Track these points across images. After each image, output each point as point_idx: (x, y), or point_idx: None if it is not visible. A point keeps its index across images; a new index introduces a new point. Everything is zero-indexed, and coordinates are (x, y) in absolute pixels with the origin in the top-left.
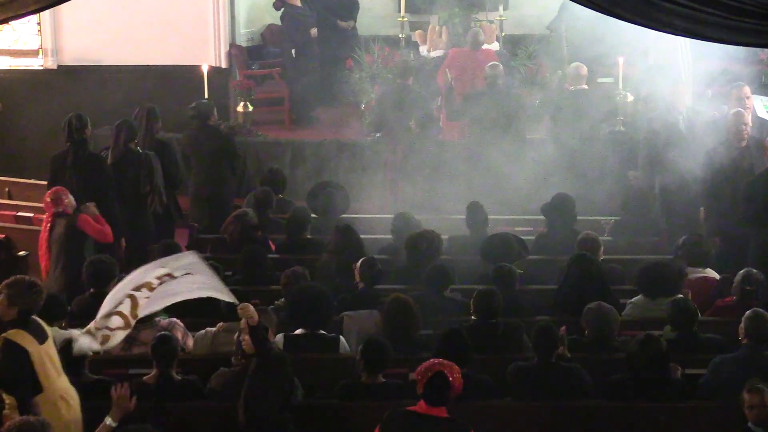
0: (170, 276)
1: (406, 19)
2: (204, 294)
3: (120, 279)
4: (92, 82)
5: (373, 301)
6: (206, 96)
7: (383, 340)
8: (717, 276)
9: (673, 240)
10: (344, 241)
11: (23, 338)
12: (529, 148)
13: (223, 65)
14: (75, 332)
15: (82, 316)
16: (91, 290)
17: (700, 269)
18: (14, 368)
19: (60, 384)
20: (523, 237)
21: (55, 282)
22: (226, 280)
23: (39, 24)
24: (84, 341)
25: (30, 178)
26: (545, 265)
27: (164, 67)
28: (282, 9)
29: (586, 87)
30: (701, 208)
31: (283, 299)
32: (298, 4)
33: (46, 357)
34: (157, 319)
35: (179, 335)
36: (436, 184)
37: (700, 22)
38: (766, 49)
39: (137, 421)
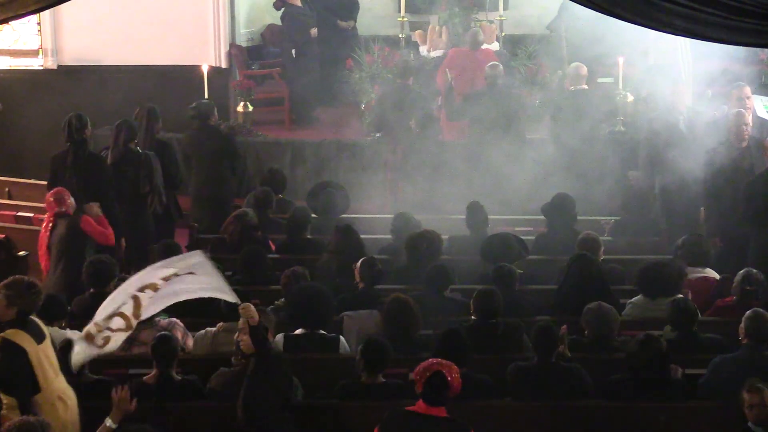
0: (176, 276)
1: (406, 19)
2: (205, 295)
3: (120, 279)
4: (92, 82)
5: (373, 301)
6: (206, 96)
7: (383, 340)
8: (717, 276)
9: (673, 240)
10: (344, 241)
11: (22, 338)
12: (529, 148)
13: (223, 65)
14: (72, 334)
15: (82, 316)
16: (91, 290)
17: (699, 269)
18: (14, 368)
19: (58, 384)
20: (523, 237)
21: (56, 282)
22: (226, 280)
23: (39, 24)
24: (79, 353)
25: (30, 178)
26: (545, 265)
27: (164, 67)
28: (282, 9)
29: (586, 87)
30: (701, 208)
31: (283, 299)
32: (299, 4)
33: (44, 357)
34: (157, 319)
35: (179, 335)
36: (436, 184)
37: (700, 22)
38: (766, 49)
39: (137, 421)
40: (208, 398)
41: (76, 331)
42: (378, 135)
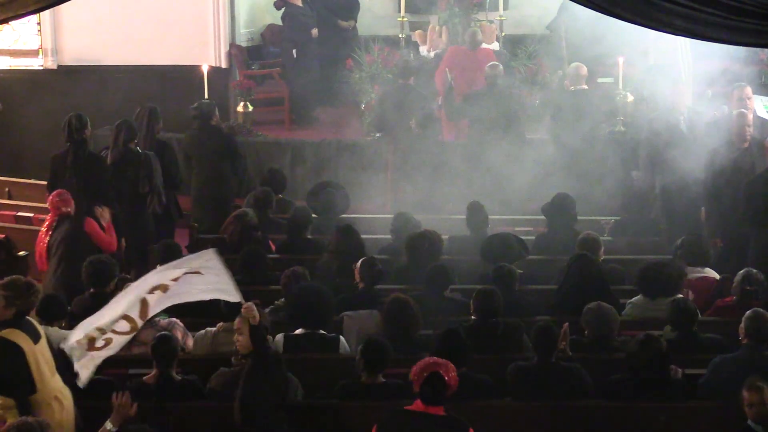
0: (185, 275)
1: (406, 19)
2: (205, 297)
3: (120, 279)
4: (92, 82)
5: (373, 301)
6: (206, 96)
7: (383, 340)
8: (717, 276)
9: (673, 240)
10: (344, 241)
11: (18, 337)
12: (529, 148)
13: (223, 65)
14: (69, 344)
15: (82, 316)
16: (91, 290)
17: (699, 269)
18: (11, 367)
19: (54, 384)
20: (523, 237)
21: (56, 282)
22: (233, 279)
23: (39, 24)
24: (83, 367)
25: (30, 178)
26: (545, 265)
27: (164, 67)
28: (283, 9)
29: (586, 87)
30: (702, 208)
31: (283, 299)
32: (299, 4)
33: (40, 356)
34: (157, 319)
35: (179, 335)
36: (437, 184)
37: (700, 22)
38: (766, 49)
39: (137, 421)
40: (208, 398)
41: (74, 336)
42: (378, 135)
